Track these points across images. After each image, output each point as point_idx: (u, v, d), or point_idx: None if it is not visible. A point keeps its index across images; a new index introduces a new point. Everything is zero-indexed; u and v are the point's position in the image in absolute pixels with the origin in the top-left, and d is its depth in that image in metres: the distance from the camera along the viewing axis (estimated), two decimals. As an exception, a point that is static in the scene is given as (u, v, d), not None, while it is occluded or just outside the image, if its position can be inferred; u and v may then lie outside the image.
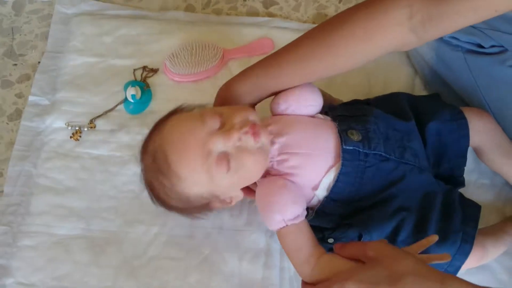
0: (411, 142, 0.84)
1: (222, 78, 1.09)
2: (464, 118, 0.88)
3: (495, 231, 0.93)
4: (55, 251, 0.92)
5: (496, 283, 0.92)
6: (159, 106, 1.06)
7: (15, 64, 1.12)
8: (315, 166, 0.81)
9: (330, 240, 0.84)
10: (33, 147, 1.01)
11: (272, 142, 0.81)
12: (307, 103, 0.86)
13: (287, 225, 0.77)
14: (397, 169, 0.81)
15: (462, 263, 0.83)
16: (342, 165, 0.79)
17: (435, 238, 0.73)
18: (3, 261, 0.91)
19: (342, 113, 0.86)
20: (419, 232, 0.83)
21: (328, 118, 0.86)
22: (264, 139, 0.78)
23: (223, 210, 0.92)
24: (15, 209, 0.95)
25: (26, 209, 0.95)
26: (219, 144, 0.75)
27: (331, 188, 0.80)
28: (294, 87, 0.86)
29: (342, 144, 0.80)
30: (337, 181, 0.80)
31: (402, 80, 1.11)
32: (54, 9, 1.16)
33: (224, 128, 0.76)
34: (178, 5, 1.21)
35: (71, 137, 1.01)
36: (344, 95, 1.00)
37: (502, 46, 0.92)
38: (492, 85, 0.94)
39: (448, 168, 0.89)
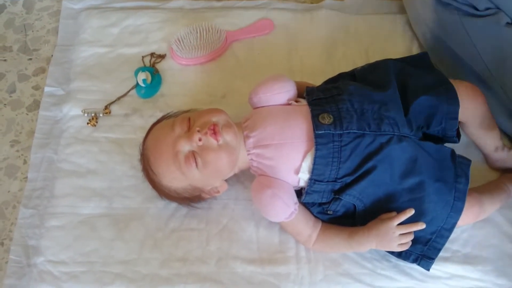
0: (389, 111, 0.88)
1: (227, 59, 1.14)
2: (450, 83, 0.92)
3: (491, 188, 0.98)
4: (81, 230, 0.97)
5: (501, 236, 0.97)
6: (169, 89, 1.11)
7: (30, 59, 1.17)
8: (290, 154, 0.87)
9: (329, 212, 0.91)
10: (52, 134, 1.06)
11: (247, 137, 0.89)
12: (275, 92, 0.93)
13: (283, 220, 0.89)
14: (374, 141, 0.86)
15: (457, 219, 0.88)
16: (317, 149, 0.85)
17: (412, 211, 0.86)
18: (33, 241, 0.96)
19: (317, 96, 0.91)
20: (414, 197, 0.88)
21: (305, 102, 0.91)
22: (227, 136, 0.87)
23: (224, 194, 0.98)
24: (41, 193, 1.00)
25: (51, 192, 1.00)
26: (185, 145, 0.86)
27: (311, 170, 0.86)
28: (262, 80, 0.95)
29: (314, 130, 0.85)
30: (315, 164, 0.85)
31: (399, 52, 1.15)
32: (61, 5, 1.21)
33: (189, 131, 0.86)
34: (180, -5, 1.26)
35: (88, 123, 1.06)
36: (344, 67, 1.05)
37: (496, 8, 0.96)
38: (489, 45, 0.98)
39: (440, 129, 0.92)
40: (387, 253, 0.94)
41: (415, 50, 1.15)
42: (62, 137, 1.05)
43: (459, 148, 1.00)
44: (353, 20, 1.20)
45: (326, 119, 0.86)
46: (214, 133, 0.86)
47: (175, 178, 0.89)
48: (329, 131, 0.85)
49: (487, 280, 0.93)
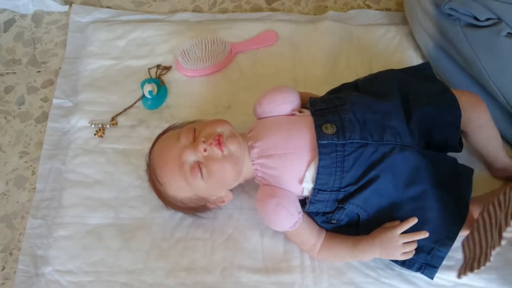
0: (391, 121, 0.89)
1: (232, 70, 1.16)
2: (452, 93, 0.93)
3: (490, 197, 0.97)
4: (89, 239, 0.98)
5: (505, 244, 0.96)
6: (175, 101, 1.13)
7: (39, 71, 1.19)
8: (294, 164, 0.89)
9: (333, 221, 0.92)
10: (60, 146, 1.08)
11: (252, 147, 0.91)
12: (279, 102, 0.94)
13: (288, 230, 0.90)
14: (377, 151, 0.86)
15: (460, 228, 0.89)
16: (320, 159, 0.86)
17: (415, 220, 0.87)
18: (41, 251, 0.97)
19: (320, 107, 0.92)
20: (418, 206, 0.88)
21: (308, 113, 0.93)
22: (232, 147, 0.88)
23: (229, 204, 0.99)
24: (49, 203, 1.02)
25: (58, 202, 1.02)
26: (190, 155, 0.88)
27: (315, 180, 0.87)
28: (266, 91, 0.96)
29: (317, 140, 0.86)
30: (318, 173, 0.87)
31: (401, 62, 1.16)
32: (69, 19, 1.24)
33: (194, 142, 0.88)
34: (186, 7, 1.28)
35: (95, 134, 1.08)
36: (347, 78, 1.06)
37: (497, 18, 0.97)
38: (491, 56, 0.99)
39: (442, 138, 0.93)
40: (391, 262, 0.94)
41: (417, 61, 1.16)
42: (70, 148, 1.07)
43: (463, 157, 1.01)
44: (356, 31, 1.22)
45: (329, 129, 0.87)
46: (219, 143, 0.87)
47: (180, 188, 0.90)
48: (332, 141, 0.86)
49: (492, 288, 0.93)
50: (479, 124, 0.96)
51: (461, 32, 1.00)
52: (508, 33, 0.97)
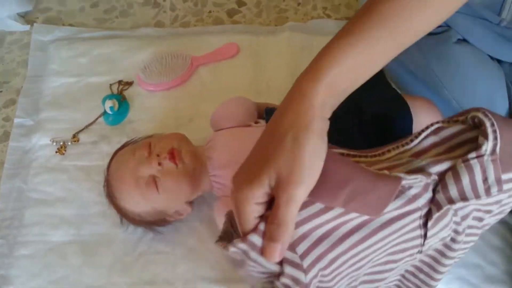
0: (340, 124, 0.90)
1: (193, 84, 1.17)
2: (403, 99, 0.94)
3: None
4: (50, 257, 0.98)
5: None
6: (137, 116, 1.13)
7: (1, 91, 1.20)
8: None
9: None
10: (22, 164, 1.08)
11: (208, 159, 0.92)
12: (234, 114, 0.96)
13: None
14: None
15: None
16: None
17: None
18: (2, 271, 0.97)
19: None
20: None
21: (264, 123, 0.94)
22: (187, 160, 0.90)
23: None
24: (10, 222, 1.02)
25: (20, 221, 1.02)
26: (145, 170, 0.88)
27: None
28: (222, 102, 0.97)
29: None
30: None
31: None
32: (31, 38, 1.24)
33: (149, 156, 0.89)
34: (148, 23, 1.30)
35: (56, 152, 1.08)
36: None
37: (446, 26, 1.00)
38: (442, 62, 1.01)
39: None
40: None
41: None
42: (31, 167, 1.07)
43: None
44: (316, 40, 1.23)
45: None
46: (173, 157, 0.88)
47: (137, 202, 0.91)
48: None
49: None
50: None
51: None
52: (458, 39, 0.99)
